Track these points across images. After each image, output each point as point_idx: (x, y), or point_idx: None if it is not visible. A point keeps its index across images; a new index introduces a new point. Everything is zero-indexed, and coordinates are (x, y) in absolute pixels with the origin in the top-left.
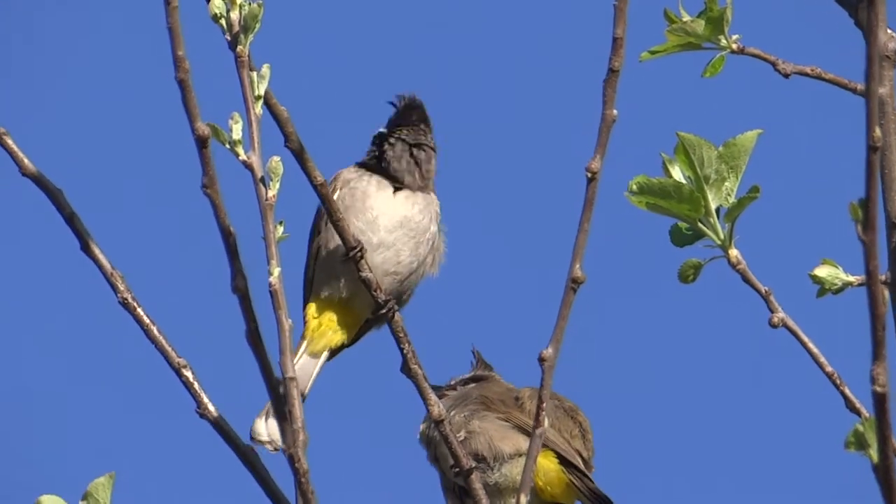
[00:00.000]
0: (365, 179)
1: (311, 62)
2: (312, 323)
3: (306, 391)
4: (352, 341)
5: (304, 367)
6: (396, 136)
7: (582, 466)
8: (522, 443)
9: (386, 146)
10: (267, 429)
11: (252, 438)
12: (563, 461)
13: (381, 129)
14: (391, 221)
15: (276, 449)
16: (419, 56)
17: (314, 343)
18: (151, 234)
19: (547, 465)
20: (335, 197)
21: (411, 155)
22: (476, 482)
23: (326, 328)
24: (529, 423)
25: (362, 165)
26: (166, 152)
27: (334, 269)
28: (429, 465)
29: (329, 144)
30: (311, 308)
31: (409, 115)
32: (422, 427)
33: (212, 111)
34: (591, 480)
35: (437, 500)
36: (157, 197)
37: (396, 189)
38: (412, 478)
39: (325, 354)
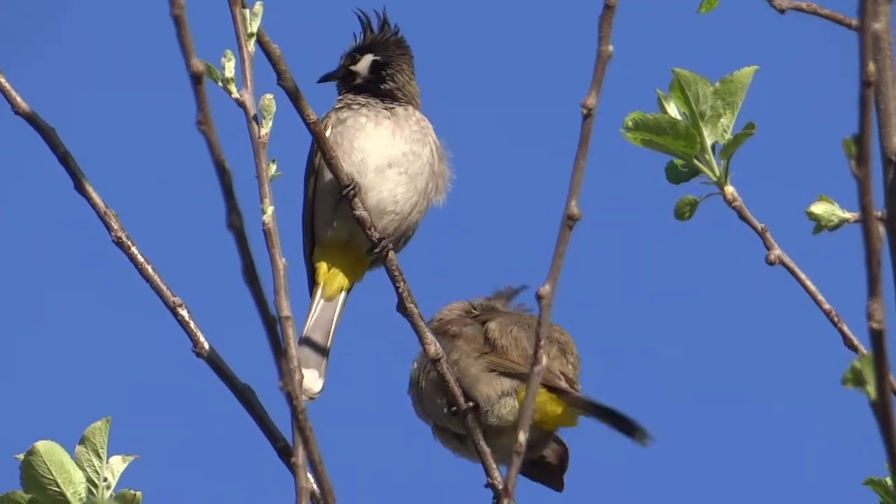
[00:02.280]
0: (362, 114)
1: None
2: (321, 266)
3: (331, 334)
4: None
5: (325, 311)
6: (364, 56)
7: (566, 386)
8: (506, 383)
9: (362, 68)
10: None
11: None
12: (550, 388)
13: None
14: (379, 161)
15: (310, 398)
16: None
17: (328, 287)
18: (146, 173)
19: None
20: (328, 134)
21: (386, 72)
22: (471, 421)
23: (336, 270)
24: (508, 365)
25: (348, 91)
26: (161, 90)
27: (331, 209)
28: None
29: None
30: (317, 251)
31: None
32: (412, 371)
33: (206, 49)
34: (584, 396)
35: (432, 444)
36: (151, 136)
37: (387, 111)
38: (409, 418)
39: (341, 296)
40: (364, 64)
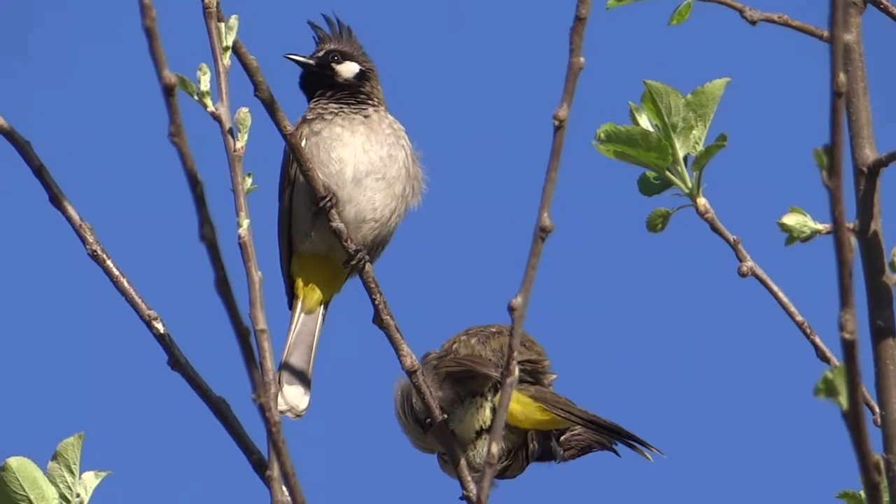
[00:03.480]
0: (336, 123)
1: (278, 12)
2: (300, 279)
3: (314, 349)
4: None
5: (306, 325)
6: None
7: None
8: (458, 387)
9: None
10: (283, 397)
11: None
12: (536, 399)
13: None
14: (357, 170)
15: (297, 416)
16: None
17: (308, 300)
18: (121, 187)
19: (517, 407)
20: (302, 145)
21: (367, 81)
22: (447, 432)
23: (316, 283)
24: (455, 366)
25: (320, 88)
26: (135, 103)
27: (309, 221)
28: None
29: (298, 95)
30: (295, 264)
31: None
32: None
33: (182, 62)
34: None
35: (409, 454)
36: (126, 149)
37: (361, 115)
38: (385, 430)
39: (320, 310)
40: (349, 69)
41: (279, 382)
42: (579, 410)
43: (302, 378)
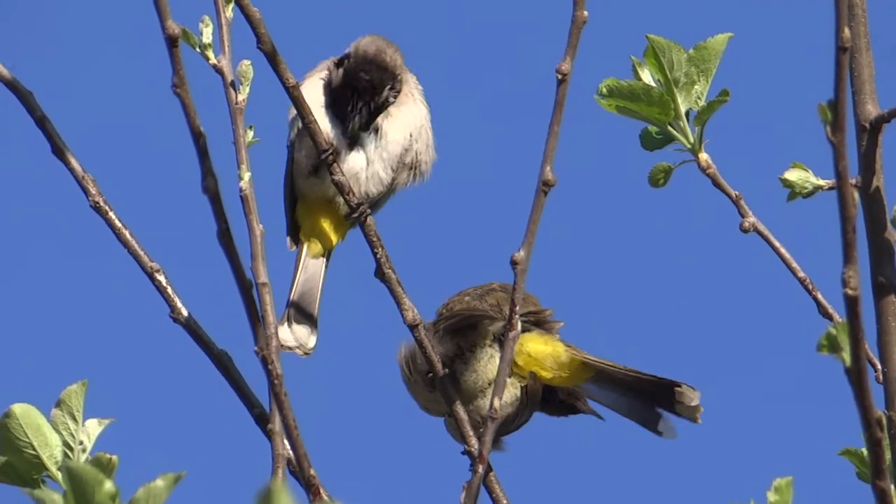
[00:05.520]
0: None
1: None
2: (305, 226)
3: (320, 290)
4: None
5: (311, 269)
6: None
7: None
8: (459, 339)
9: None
10: (293, 334)
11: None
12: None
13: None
14: None
15: (305, 353)
16: None
17: (313, 245)
18: (124, 138)
19: (542, 348)
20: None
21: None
22: (449, 385)
23: (320, 229)
24: (453, 319)
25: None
26: (140, 55)
27: (314, 168)
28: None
29: (300, 48)
30: (300, 210)
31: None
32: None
33: (184, 15)
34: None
35: (410, 410)
36: (130, 100)
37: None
38: (386, 384)
39: (324, 256)
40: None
41: (288, 321)
42: (618, 364)
43: (309, 319)
